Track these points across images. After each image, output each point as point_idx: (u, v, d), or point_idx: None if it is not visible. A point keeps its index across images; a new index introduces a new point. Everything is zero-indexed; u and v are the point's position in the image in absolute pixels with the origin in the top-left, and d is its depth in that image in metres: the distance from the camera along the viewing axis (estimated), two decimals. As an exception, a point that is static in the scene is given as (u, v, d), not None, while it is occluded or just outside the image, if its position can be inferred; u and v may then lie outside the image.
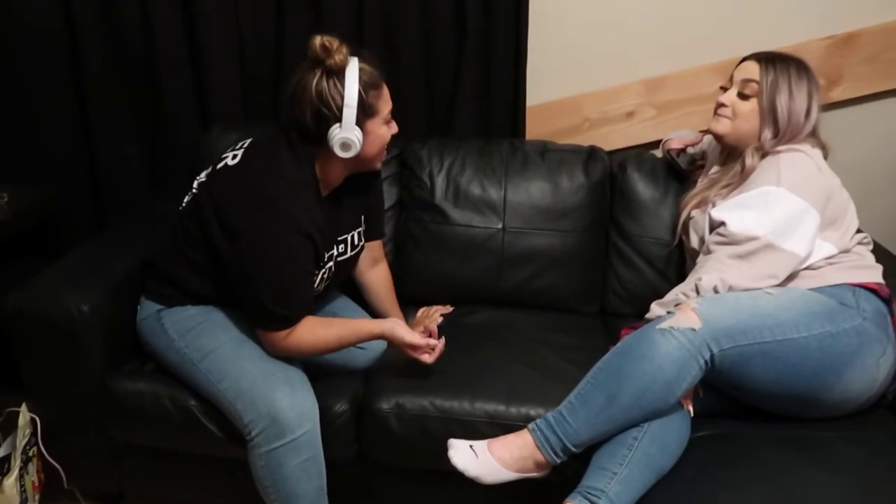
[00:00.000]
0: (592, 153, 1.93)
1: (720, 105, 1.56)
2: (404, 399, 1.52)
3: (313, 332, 1.44)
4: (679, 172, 1.85)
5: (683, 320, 1.31)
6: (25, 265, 1.88)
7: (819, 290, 1.42)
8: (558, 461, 1.34)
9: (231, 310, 1.51)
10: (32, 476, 1.66)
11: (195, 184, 1.53)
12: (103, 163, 2.11)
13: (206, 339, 1.47)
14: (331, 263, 1.53)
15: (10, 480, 1.57)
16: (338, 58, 1.34)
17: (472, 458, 1.34)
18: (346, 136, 1.36)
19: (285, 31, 1.98)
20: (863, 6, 1.93)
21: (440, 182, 1.89)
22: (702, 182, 1.68)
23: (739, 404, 1.41)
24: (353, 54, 1.38)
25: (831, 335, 1.33)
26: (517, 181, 1.88)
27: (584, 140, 2.03)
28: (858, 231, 1.55)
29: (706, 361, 1.30)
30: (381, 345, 1.67)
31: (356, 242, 1.61)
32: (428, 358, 1.48)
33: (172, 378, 1.54)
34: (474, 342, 1.70)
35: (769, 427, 1.38)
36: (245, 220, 1.36)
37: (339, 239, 1.55)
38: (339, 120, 1.36)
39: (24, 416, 1.61)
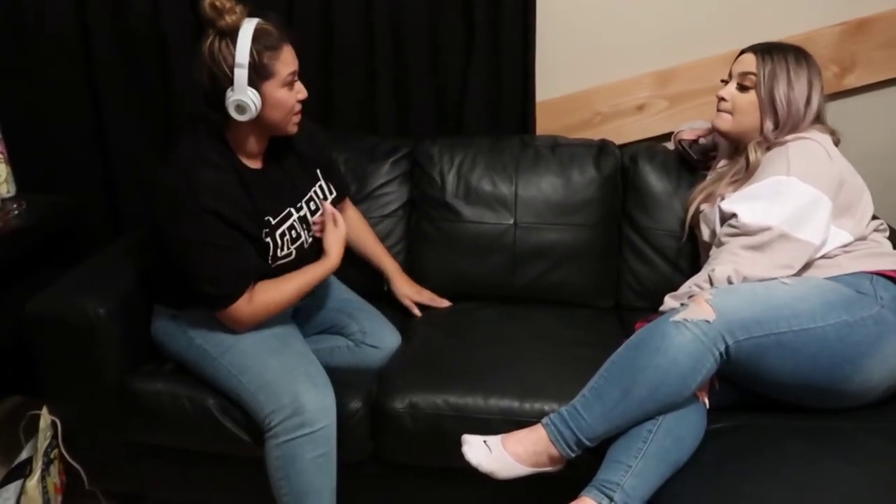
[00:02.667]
0: (603, 147, 1.91)
1: (720, 99, 1.55)
2: (418, 398, 1.52)
3: (269, 294, 1.45)
4: (691, 164, 1.84)
5: (697, 312, 1.30)
6: (43, 273, 1.91)
7: (835, 278, 1.40)
8: (573, 455, 1.33)
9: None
10: (54, 478, 1.68)
11: None
12: (120, 171, 2.15)
13: (225, 335, 1.48)
14: (288, 224, 1.50)
15: (33, 482, 1.60)
16: (229, 18, 1.31)
17: (487, 453, 1.34)
18: (239, 97, 1.33)
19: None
20: (875, -8, 1.91)
21: (451, 179, 1.89)
22: (710, 176, 1.67)
23: (756, 396, 1.39)
24: (254, 16, 1.35)
25: (849, 325, 1.31)
26: (528, 177, 1.87)
27: (596, 134, 2.02)
28: (874, 218, 1.53)
29: (721, 353, 1.28)
30: (394, 342, 1.68)
31: (323, 195, 1.60)
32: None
33: (191, 378, 1.56)
34: (487, 338, 1.70)
35: (787, 418, 1.36)
36: (161, 216, 1.39)
37: (295, 200, 1.54)
38: (232, 83, 1.33)
39: (45, 419, 1.63)
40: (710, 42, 1.97)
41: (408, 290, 1.83)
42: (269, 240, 1.47)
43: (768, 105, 1.48)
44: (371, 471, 1.60)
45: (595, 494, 1.25)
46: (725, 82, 1.57)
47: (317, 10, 1.96)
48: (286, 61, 1.38)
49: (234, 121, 1.38)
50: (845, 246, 1.45)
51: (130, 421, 1.60)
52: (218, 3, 1.31)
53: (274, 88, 1.38)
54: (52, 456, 1.67)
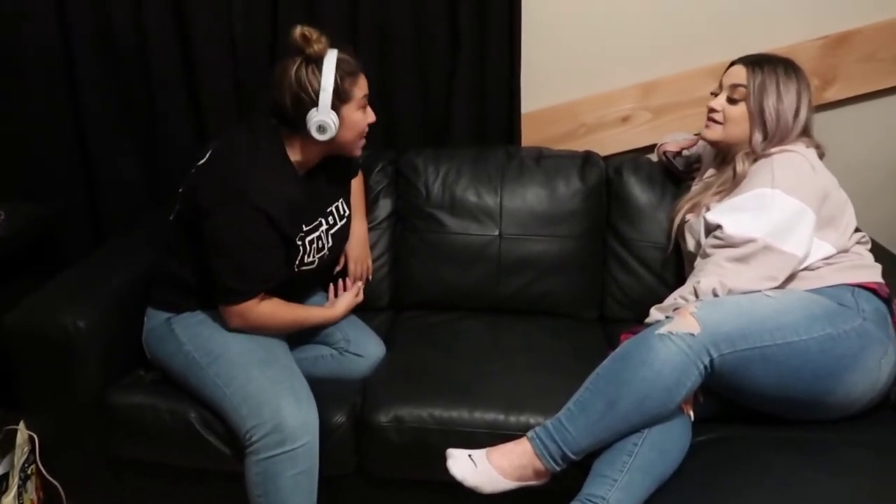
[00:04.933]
0: (588, 158, 1.92)
1: (711, 110, 1.56)
2: (403, 411, 1.51)
3: (274, 312, 1.52)
4: (675, 176, 1.85)
5: (682, 325, 1.30)
6: (24, 283, 1.88)
7: (818, 291, 1.41)
8: (558, 469, 1.32)
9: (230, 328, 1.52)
10: (31, 495, 1.65)
11: (179, 193, 1.57)
12: (101, 180, 2.13)
13: (215, 344, 1.50)
14: (317, 234, 1.58)
15: (8, 499, 1.57)
16: (317, 47, 1.42)
17: (471, 467, 1.33)
18: (323, 119, 1.44)
19: (279, 47, 1.98)
20: (855, 6, 1.93)
21: (436, 190, 1.89)
22: (696, 186, 1.67)
23: (739, 408, 1.39)
24: (333, 47, 1.46)
25: (832, 338, 1.32)
26: (513, 188, 1.87)
27: (581, 146, 2.03)
28: (857, 230, 1.54)
29: (706, 366, 1.28)
30: (377, 352, 1.68)
31: (343, 212, 1.67)
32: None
33: (171, 391, 1.54)
34: (472, 350, 1.70)
35: (771, 430, 1.37)
36: (210, 200, 1.43)
37: (326, 211, 1.61)
38: (317, 104, 1.43)
39: (22, 433, 1.60)
40: (693, 55, 1.99)
41: (354, 253, 1.80)
42: (300, 244, 1.54)
43: (757, 117, 1.49)
44: (355, 485, 1.58)
45: (581, 509, 1.25)
46: (715, 94, 1.57)
47: (302, 22, 1.95)
48: (362, 86, 1.50)
49: (308, 137, 1.47)
50: (828, 258, 1.46)
51: (110, 435, 1.57)
52: (307, 33, 1.42)
53: (351, 111, 1.48)
54: (29, 472, 1.64)
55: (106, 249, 1.85)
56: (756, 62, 1.51)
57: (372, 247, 1.89)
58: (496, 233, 1.86)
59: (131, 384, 1.59)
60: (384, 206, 1.94)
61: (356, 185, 1.84)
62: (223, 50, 2.00)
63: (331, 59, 1.43)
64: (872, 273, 1.46)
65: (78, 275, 1.69)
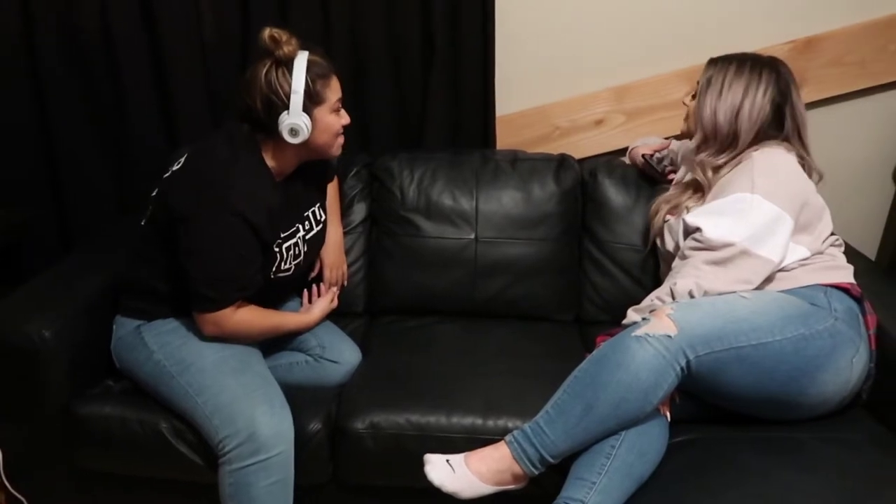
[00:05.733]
0: (563, 161, 1.93)
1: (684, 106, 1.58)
2: (379, 417, 1.49)
3: (250, 320, 1.50)
4: (650, 178, 1.86)
5: (659, 327, 1.31)
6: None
7: (791, 291, 1.43)
8: (536, 473, 1.32)
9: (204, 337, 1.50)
10: (-4, 509, 1.60)
11: (151, 198, 1.55)
12: (69, 186, 2.08)
13: (186, 353, 1.47)
14: (294, 241, 1.56)
15: (-28, 515, 1.52)
16: (287, 49, 1.40)
17: (449, 472, 1.32)
18: (294, 121, 1.42)
19: (250, 50, 1.95)
20: (822, 12, 1.97)
21: (411, 194, 1.88)
22: (675, 188, 1.68)
23: (716, 408, 1.40)
24: (304, 49, 1.44)
25: (805, 338, 1.33)
26: (489, 191, 1.87)
27: (555, 149, 2.04)
28: (831, 234, 1.56)
29: (682, 368, 1.29)
30: (353, 357, 1.67)
31: (319, 217, 1.66)
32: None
33: (141, 400, 1.51)
34: (450, 355, 1.68)
35: (746, 430, 1.38)
36: (187, 206, 1.41)
37: (303, 216, 1.60)
38: (288, 107, 1.41)
39: (-14, 446, 1.56)
40: (665, 59, 2.01)
41: (330, 259, 1.78)
42: (277, 251, 1.52)
43: (698, 114, 1.51)
44: (331, 494, 1.56)
45: (560, 512, 1.24)
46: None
47: (273, 25, 1.93)
48: (334, 89, 1.48)
49: (282, 143, 1.45)
50: (803, 260, 1.47)
51: (78, 447, 1.53)
52: (276, 35, 1.40)
53: (324, 114, 1.47)
54: (-7, 486, 1.59)
55: (73, 257, 1.81)
56: (718, 59, 1.53)
57: (347, 252, 1.88)
58: (472, 236, 1.85)
59: (100, 394, 1.55)
60: (359, 211, 1.92)
61: (331, 189, 1.82)
62: (193, 51, 1.97)
63: (301, 60, 1.41)
64: (845, 274, 1.48)
65: (45, 283, 1.64)
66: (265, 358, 1.61)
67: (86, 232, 2.10)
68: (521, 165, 1.91)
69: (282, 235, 1.52)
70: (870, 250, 2.16)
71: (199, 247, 1.40)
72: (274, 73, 1.41)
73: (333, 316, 1.76)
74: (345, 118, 1.52)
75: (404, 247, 1.87)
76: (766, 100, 1.48)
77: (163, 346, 1.49)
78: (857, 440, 1.35)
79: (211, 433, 1.41)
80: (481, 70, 1.97)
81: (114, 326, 1.57)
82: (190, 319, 1.50)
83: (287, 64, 1.41)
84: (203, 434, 1.43)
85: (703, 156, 1.52)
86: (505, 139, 2.06)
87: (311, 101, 1.43)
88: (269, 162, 1.49)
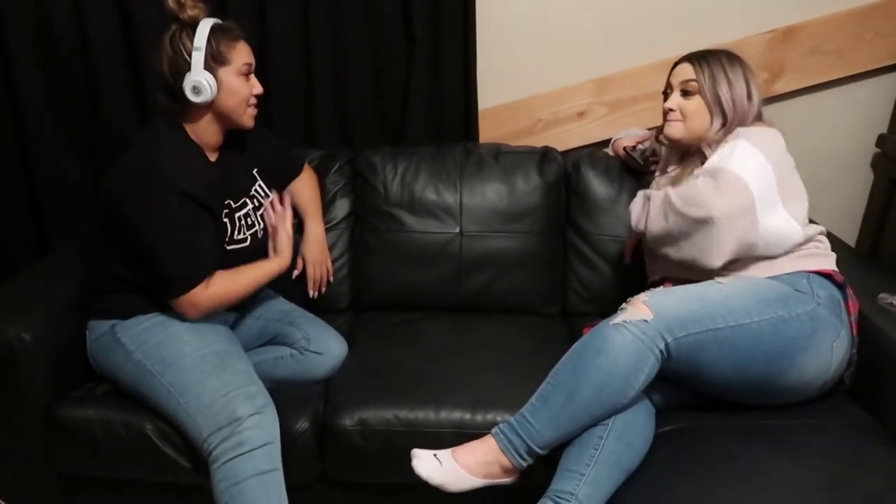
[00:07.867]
0: (546, 154, 1.92)
1: (668, 111, 1.57)
2: (367, 414, 1.48)
3: (226, 289, 1.48)
4: (634, 170, 1.86)
5: (635, 313, 1.32)
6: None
7: (775, 277, 1.44)
8: (524, 464, 1.32)
9: (189, 320, 1.49)
10: (-22, 516, 1.58)
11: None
12: (44, 187, 2.04)
13: (166, 352, 1.45)
14: (245, 211, 1.56)
15: (-47, 523, 1.49)
16: (191, 12, 1.42)
17: (437, 466, 1.32)
18: (196, 78, 1.41)
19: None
20: (800, 1, 1.97)
21: (395, 189, 1.87)
22: (662, 179, 1.68)
23: (701, 397, 1.41)
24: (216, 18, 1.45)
25: (783, 320, 1.35)
26: (472, 184, 1.87)
27: (538, 141, 2.04)
28: (814, 223, 1.57)
29: (661, 351, 1.30)
30: (338, 349, 1.65)
31: (264, 194, 1.65)
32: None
33: (125, 402, 1.49)
34: (436, 349, 1.68)
35: (733, 418, 1.39)
36: (127, 198, 1.40)
37: (249, 193, 1.60)
38: (190, 66, 1.41)
39: (-34, 453, 1.53)
40: (645, 50, 2.01)
41: (312, 256, 1.79)
42: (227, 220, 1.51)
43: (715, 106, 1.52)
44: (320, 492, 1.55)
45: (549, 505, 1.24)
46: (666, 95, 1.59)
47: (255, 21, 1.91)
48: (241, 52, 1.47)
49: (194, 110, 1.45)
50: (790, 249, 1.47)
51: (60, 452, 1.51)
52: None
53: (229, 75, 1.45)
54: (-26, 493, 1.56)
55: (50, 259, 1.78)
56: (700, 57, 1.54)
57: (330, 248, 1.86)
58: (457, 230, 1.85)
59: (81, 397, 1.53)
60: (342, 207, 1.91)
61: (309, 185, 1.80)
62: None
63: (206, 22, 1.42)
64: (829, 262, 1.50)
65: (22, 286, 1.62)
66: (250, 353, 1.59)
67: (61, 233, 2.06)
68: (505, 159, 1.90)
69: (231, 205, 1.52)
70: (849, 238, 2.18)
71: (145, 228, 1.39)
72: (178, 35, 1.42)
73: (319, 313, 1.75)
74: (256, 86, 1.50)
75: (388, 242, 1.86)
76: (755, 82, 1.54)
77: (141, 346, 1.46)
78: (840, 426, 1.37)
79: (195, 433, 1.39)
80: (462, 63, 1.96)
81: (87, 333, 1.55)
82: (163, 314, 1.48)
83: (192, 26, 1.42)
84: (187, 434, 1.41)
85: (718, 134, 1.53)
86: (487, 132, 2.06)
87: (215, 60, 1.43)
88: (193, 136, 1.49)
